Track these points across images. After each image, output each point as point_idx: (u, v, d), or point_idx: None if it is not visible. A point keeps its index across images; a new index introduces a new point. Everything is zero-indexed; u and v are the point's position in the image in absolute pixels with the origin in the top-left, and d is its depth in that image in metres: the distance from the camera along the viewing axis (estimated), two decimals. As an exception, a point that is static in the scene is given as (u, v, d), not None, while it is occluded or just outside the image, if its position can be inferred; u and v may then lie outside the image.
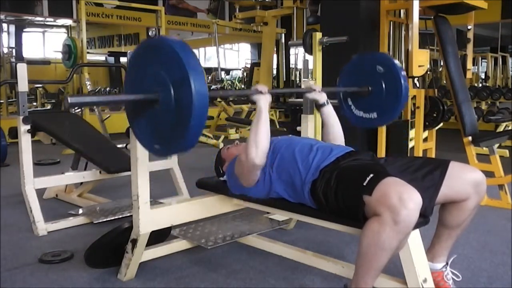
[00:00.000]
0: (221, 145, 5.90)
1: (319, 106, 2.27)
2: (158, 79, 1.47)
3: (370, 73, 2.37)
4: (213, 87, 11.03)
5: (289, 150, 1.90)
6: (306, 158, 1.82)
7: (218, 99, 7.80)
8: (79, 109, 6.44)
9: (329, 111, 2.25)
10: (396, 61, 2.37)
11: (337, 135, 2.23)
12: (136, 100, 1.55)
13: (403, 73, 2.33)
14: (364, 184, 1.54)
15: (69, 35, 9.04)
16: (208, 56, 13.44)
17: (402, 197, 1.44)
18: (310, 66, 2.81)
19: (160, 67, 1.47)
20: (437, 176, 1.71)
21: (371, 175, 1.56)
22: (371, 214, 1.51)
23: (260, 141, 1.84)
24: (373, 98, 2.38)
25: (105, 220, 2.86)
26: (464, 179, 1.72)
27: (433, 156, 3.66)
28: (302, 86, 2.76)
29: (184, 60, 1.39)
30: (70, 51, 5.89)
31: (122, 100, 1.59)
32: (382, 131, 3.45)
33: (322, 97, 2.25)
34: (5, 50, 8.63)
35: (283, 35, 6.84)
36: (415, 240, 1.62)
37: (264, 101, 1.92)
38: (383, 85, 2.34)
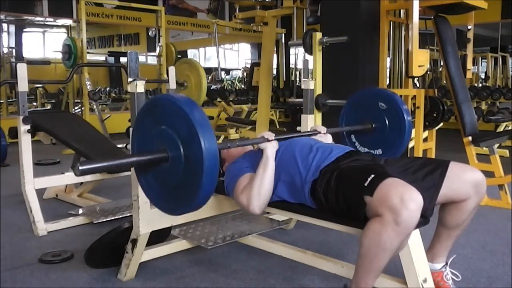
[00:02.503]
0: (221, 145, 5.89)
1: None
2: (166, 137, 1.45)
3: (372, 109, 2.37)
4: (213, 87, 11.03)
5: (288, 150, 1.90)
6: (306, 158, 1.82)
7: (218, 99, 7.81)
8: (79, 109, 6.45)
9: None
10: (398, 96, 2.36)
11: None
12: (147, 160, 1.50)
13: (405, 108, 2.32)
14: (365, 184, 1.54)
15: (69, 35, 9.04)
16: (208, 56, 13.45)
17: (403, 198, 1.44)
18: (310, 66, 2.81)
19: (168, 124, 1.45)
20: (437, 177, 1.71)
21: (372, 175, 1.56)
22: (372, 214, 1.51)
23: (263, 190, 1.82)
24: (376, 134, 2.38)
25: (105, 220, 2.86)
26: (464, 180, 1.72)
27: (433, 156, 3.66)
28: (302, 86, 2.76)
29: (191, 117, 1.37)
30: (70, 51, 5.89)
31: (133, 161, 1.56)
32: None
33: (327, 139, 2.21)
34: (5, 50, 8.63)
35: (283, 35, 6.82)
36: (415, 240, 1.62)
37: (271, 148, 1.89)
38: (386, 121, 2.34)
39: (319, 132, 2.21)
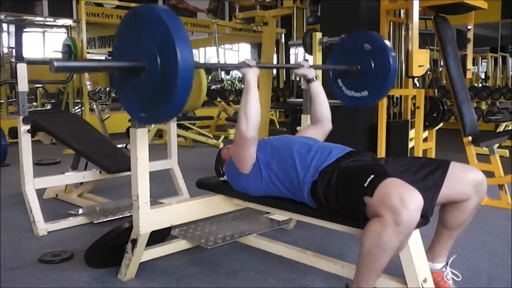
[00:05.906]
0: (221, 145, 5.90)
1: (308, 81, 2.30)
2: (145, 47, 1.48)
3: (359, 52, 2.40)
4: (213, 87, 11.02)
5: (287, 150, 1.90)
6: (304, 158, 1.82)
7: (218, 99, 7.80)
8: (79, 109, 6.44)
9: (317, 86, 2.28)
10: (382, 37, 2.38)
11: (325, 112, 2.27)
12: (123, 67, 1.56)
13: (389, 46, 2.35)
14: (365, 185, 1.54)
15: (69, 35, 9.03)
16: (208, 56, 13.43)
17: (403, 198, 1.44)
18: (310, 66, 2.80)
19: (148, 35, 1.48)
20: (438, 177, 1.71)
21: (372, 176, 1.56)
22: (372, 215, 1.51)
23: (250, 114, 1.84)
24: (363, 76, 2.41)
25: (105, 220, 2.86)
26: (464, 180, 1.72)
27: (433, 156, 3.66)
28: (302, 86, 2.77)
29: (171, 28, 1.41)
30: (70, 51, 5.88)
31: (110, 66, 1.62)
32: (382, 131, 3.45)
33: (310, 72, 2.28)
34: (5, 50, 8.62)
35: (283, 35, 6.85)
36: (415, 240, 1.62)
37: (252, 73, 1.93)
38: (372, 63, 2.36)
39: (302, 66, 2.26)
